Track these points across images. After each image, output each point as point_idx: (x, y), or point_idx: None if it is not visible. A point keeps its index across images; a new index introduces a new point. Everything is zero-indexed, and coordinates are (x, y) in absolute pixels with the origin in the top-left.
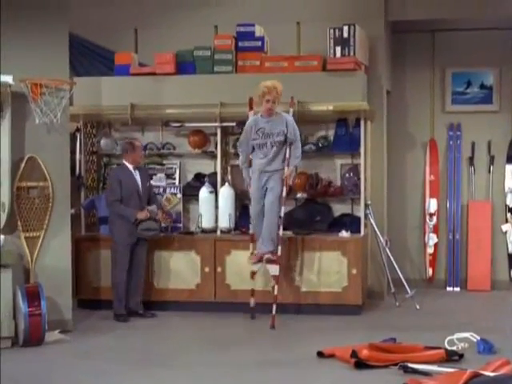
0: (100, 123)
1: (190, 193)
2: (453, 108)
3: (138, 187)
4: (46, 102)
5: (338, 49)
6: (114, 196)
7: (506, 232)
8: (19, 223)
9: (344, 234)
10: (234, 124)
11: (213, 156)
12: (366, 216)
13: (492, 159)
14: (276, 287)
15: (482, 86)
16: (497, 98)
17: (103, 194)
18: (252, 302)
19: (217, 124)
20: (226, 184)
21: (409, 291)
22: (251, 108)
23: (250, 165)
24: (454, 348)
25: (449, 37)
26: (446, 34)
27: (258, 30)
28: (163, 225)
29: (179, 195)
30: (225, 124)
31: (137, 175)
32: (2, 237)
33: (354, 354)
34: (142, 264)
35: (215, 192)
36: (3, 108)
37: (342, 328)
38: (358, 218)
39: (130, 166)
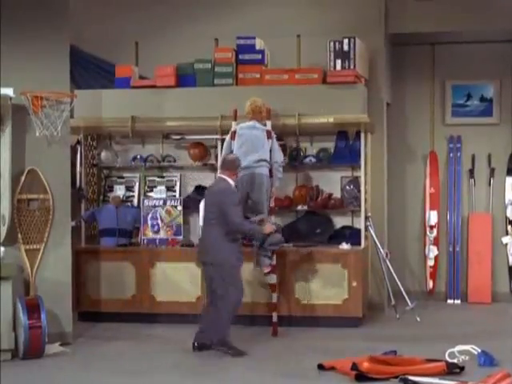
0: (100, 136)
1: (191, 205)
2: (453, 120)
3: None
4: (46, 114)
5: (338, 61)
6: (240, 215)
7: (506, 244)
8: (19, 235)
9: (344, 246)
10: None
11: (213, 168)
12: (366, 228)
13: (492, 171)
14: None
15: (482, 99)
16: (497, 110)
17: (104, 206)
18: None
19: (217, 136)
20: None
21: (409, 303)
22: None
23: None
24: (455, 360)
25: (449, 49)
26: (445, 47)
27: (259, 43)
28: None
29: (179, 208)
30: (225, 136)
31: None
32: (3, 249)
33: (354, 366)
34: None
35: None
36: (4, 121)
37: (342, 340)
38: (359, 230)
39: (232, 183)
